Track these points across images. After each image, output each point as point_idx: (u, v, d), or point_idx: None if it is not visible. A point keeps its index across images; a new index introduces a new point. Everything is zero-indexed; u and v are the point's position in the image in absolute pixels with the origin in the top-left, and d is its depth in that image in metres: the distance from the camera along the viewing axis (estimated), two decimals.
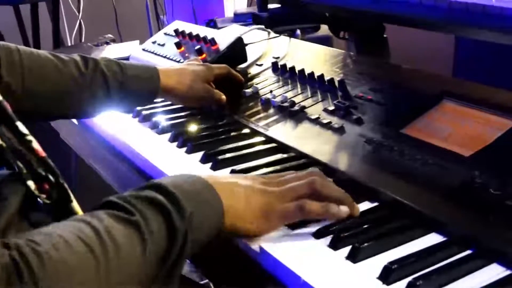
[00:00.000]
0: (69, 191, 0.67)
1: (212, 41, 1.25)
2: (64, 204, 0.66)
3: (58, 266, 0.51)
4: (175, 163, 0.93)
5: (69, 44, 3.24)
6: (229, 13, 2.87)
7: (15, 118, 0.65)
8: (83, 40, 3.26)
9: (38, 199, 0.65)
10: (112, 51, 1.94)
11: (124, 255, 0.56)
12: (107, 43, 2.32)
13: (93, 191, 1.45)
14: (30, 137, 0.66)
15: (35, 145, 0.65)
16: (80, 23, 3.24)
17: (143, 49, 1.42)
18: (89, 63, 1.01)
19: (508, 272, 0.62)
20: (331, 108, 0.99)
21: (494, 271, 0.63)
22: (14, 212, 0.64)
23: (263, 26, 1.29)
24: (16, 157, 0.65)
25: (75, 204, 0.67)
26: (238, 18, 2.51)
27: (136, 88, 1.04)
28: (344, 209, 0.71)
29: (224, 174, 0.87)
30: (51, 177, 0.66)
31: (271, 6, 1.23)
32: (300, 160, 0.90)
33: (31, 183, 0.64)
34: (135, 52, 1.44)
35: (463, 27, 0.97)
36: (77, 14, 3.19)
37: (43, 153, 0.66)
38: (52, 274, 0.50)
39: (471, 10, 0.88)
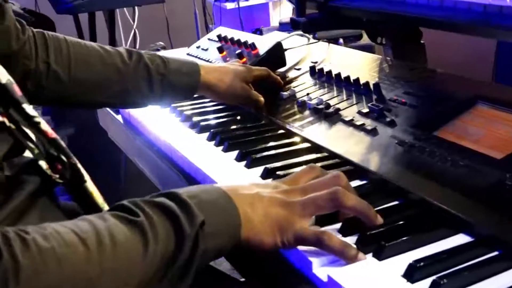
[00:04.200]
0: (83, 171, 0.66)
1: (252, 46, 1.24)
2: (78, 184, 0.66)
3: (45, 254, 0.49)
4: (211, 161, 0.92)
5: None
6: (274, 22, 2.88)
7: (23, 100, 0.64)
8: (137, 47, 3.32)
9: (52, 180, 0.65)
10: None
11: (122, 253, 0.54)
12: (158, 50, 2.35)
13: (140, 187, 1.47)
14: (38, 119, 0.65)
15: (44, 126, 0.65)
16: (135, 31, 3.30)
17: (188, 54, 1.43)
18: (133, 55, 1.01)
19: None
20: (365, 110, 0.97)
21: None
22: (28, 195, 0.63)
23: (301, 32, 1.27)
24: (26, 139, 0.64)
25: (89, 184, 0.66)
26: (283, 27, 2.52)
27: (177, 81, 1.03)
28: (362, 257, 0.64)
29: (257, 177, 0.86)
30: (63, 158, 0.65)
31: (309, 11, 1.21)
32: (333, 160, 0.89)
33: (42, 163, 0.64)
34: (181, 57, 1.45)
35: (496, 30, 0.93)
36: (132, 23, 3.25)
37: (53, 134, 0.65)
38: (38, 261, 0.48)
39: (506, 13, 0.84)
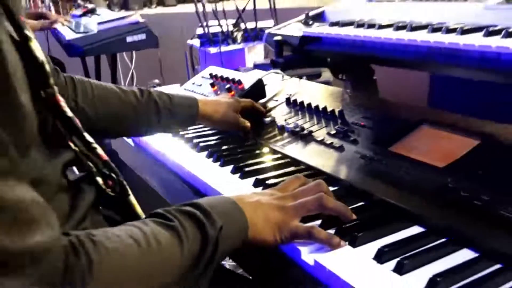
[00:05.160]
0: (127, 187, 0.68)
1: (239, 82, 1.27)
2: (124, 197, 0.68)
3: (109, 252, 0.51)
4: (211, 174, 0.94)
5: None
6: (249, 63, 2.91)
7: (82, 130, 0.66)
8: (134, 84, 3.32)
9: (106, 193, 0.67)
10: None
11: (165, 251, 0.57)
12: (154, 86, 2.37)
13: (145, 200, 1.46)
14: (95, 145, 0.67)
15: (99, 151, 0.67)
16: (132, 72, 3.30)
17: (185, 89, 1.45)
18: (144, 93, 1.03)
19: (476, 255, 0.63)
20: (333, 132, 1.01)
21: (465, 254, 0.64)
22: (90, 204, 0.65)
23: (277, 70, 1.31)
24: (87, 160, 0.67)
25: (132, 198, 0.69)
26: (257, 67, 2.55)
27: (180, 113, 1.05)
28: (342, 244, 0.67)
29: (249, 186, 0.88)
30: (113, 176, 0.68)
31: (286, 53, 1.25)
32: (309, 171, 0.91)
33: (99, 179, 0.67)
34: (179, 91, 1.48)
35: (437, 66, 0.98)
36: (130, 65, 3.25)
37: (105, 157, 0.68)
38: (104, 258, 0.50)
39: (444, 52, 0.89)
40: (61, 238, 0.49)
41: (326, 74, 2.04)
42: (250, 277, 0.83)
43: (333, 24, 1.12)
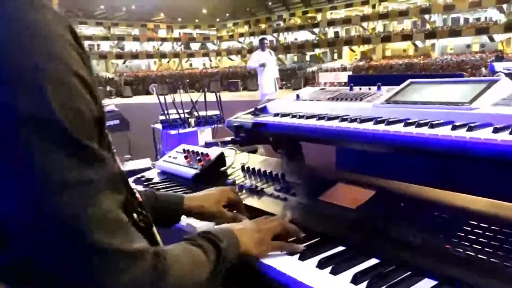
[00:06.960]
0: (151, 221, 0.80)
1: (206, 155, 1.43)
2: (149, 228, 0.80)
3: (174, 257, 0.66)
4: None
5: None
6: (201, 142, 3.09)
7: (128, 180, 0.78)
8: None
9: (138, 224, 0.78)
10: (132, 165, 2.09)
11: (199, 258, 0.72)
12: (127, 160, 2.47)
13: None
14: (135, 191, 0.80)
15: (137, 195, 0.80)
16: None
17: (164, 160, 1.57)
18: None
19: (378, 261, 0.82)
20: (278, 188, 1.18)
21: (371, 261, 0.82)
22: None
23: (231, 146, 1.49)
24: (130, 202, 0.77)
25: (154, 229, 0.81)
26: (208, 145, 2.73)
27: (164, 209, 1.01)
28: (301, 247, 0.87)
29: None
30: (144, 212, 0.79)
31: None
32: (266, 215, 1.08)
33: (135, 215, 0.77)
34: (159, 163, 1.58)
35: (344, 142, 1.20)
36: None
37: (140, 199, 0.80)
38: (173, 260, 0.65)
39: (349, 134, 1.12)
40: (149, 247, 0.63)
41: (261, 150, 2.28)
42: None
43: (275, 115, 1.33)
